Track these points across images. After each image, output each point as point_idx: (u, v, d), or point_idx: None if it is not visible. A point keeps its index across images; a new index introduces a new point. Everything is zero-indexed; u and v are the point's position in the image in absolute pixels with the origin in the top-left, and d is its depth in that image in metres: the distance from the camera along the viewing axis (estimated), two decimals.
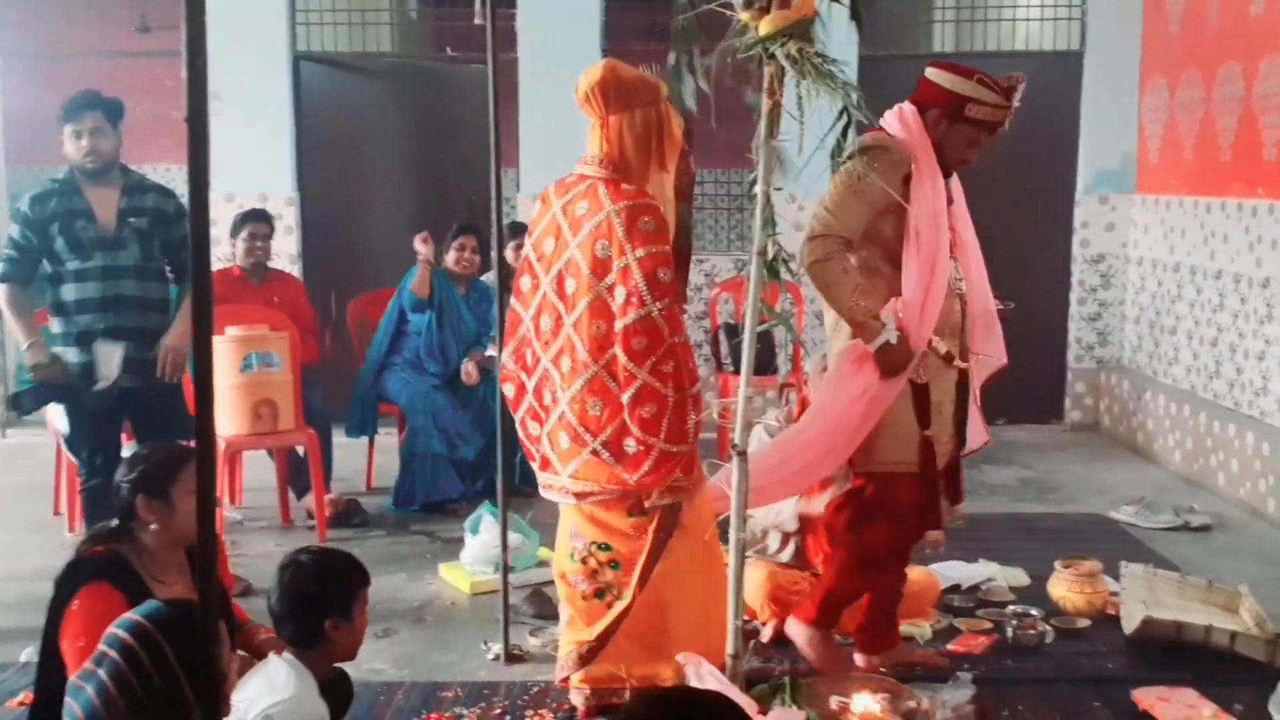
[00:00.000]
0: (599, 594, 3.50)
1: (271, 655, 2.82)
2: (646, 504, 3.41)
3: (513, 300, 3.59)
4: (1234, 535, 5.43)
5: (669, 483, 3.37)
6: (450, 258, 5.98)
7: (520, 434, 3.62)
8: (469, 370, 5.89)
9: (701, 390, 3.43)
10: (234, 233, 5.90)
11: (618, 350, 3.28)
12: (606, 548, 3.47)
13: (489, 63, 3.68)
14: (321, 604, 2.76)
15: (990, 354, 3.85)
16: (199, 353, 1.72)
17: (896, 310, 3.53)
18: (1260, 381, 5.91)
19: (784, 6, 2.81)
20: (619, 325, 3.28)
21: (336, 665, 2.91)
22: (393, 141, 7.83)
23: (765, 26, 2.76)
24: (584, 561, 3.50)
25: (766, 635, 4.12)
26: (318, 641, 2.76)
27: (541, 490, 3.64)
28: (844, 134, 2.69)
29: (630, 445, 3.33)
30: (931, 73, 3.64)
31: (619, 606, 3.47)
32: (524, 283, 3.55)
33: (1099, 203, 7.57)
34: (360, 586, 2.85)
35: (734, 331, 6.72)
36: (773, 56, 2.70)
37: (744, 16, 2.82)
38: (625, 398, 3.29)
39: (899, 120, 3.64)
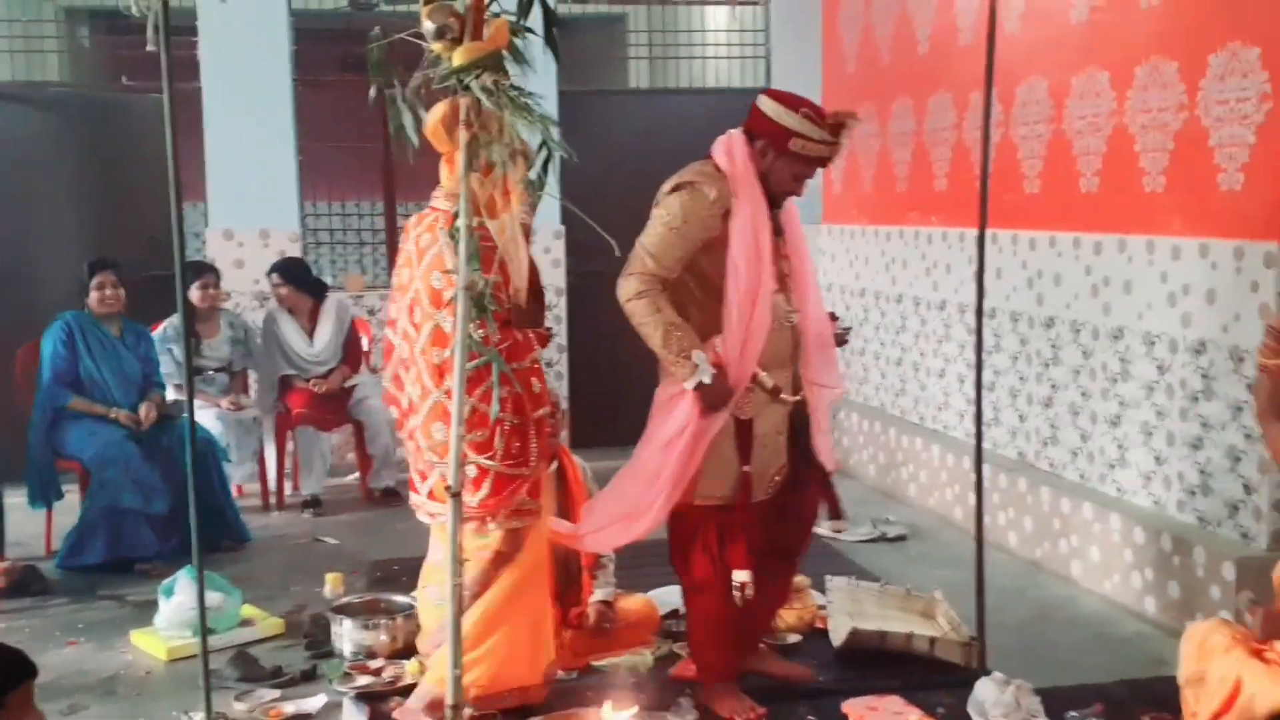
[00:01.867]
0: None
1: None
2: (491, 526, 3.56)
3: (386, 327, 3.81)
4: (927, 543, 5.75)
5: (513, 505, 3.56)
6: (92, 299, 5.59)
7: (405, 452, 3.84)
8: (143, 410, 5.52)
9: (551, 415, 3.67)
10: None
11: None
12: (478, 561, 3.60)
13: (165, 92, 3.44)
14: None
15: (827, 384, 3.83)
16: None
17: (715, 346, 3.51)
18: (942, 398, 6.32)
19: (477, 38, 2.76)
20: (446, 353, 3.41)
21: None
22: (65, 176, 7.26)
23: (459, 58, 2.70)
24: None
25: None
26: None
27: (413, 508, 3.84)
28: (544, 166, 2.66)
29: (470, 469, 3.46)
30: (761, 101, 3.59)
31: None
32: (391, 310, 3.75)
33: None
34: (7, 692, 2.41)
35: None
36: (468, 88, 2.65)
37: (436, 47, 2.76)
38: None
39: (725, 150, 3.59)
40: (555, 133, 2.59)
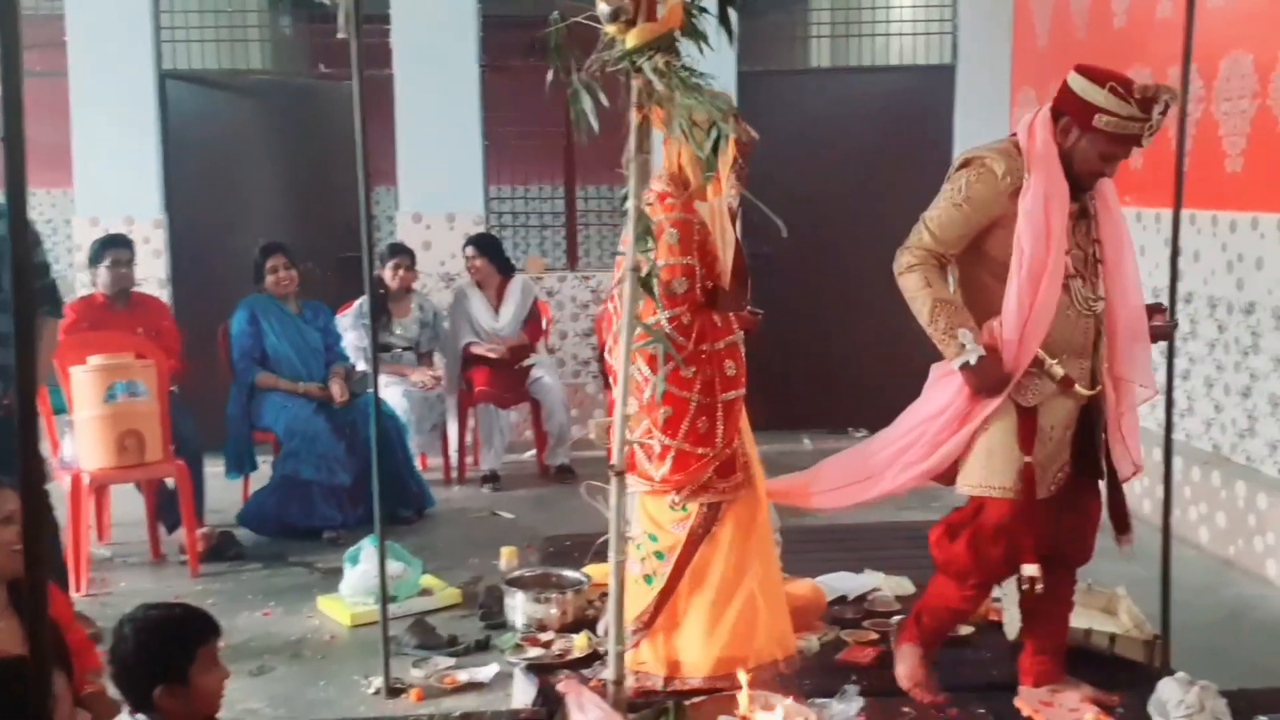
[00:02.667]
0: (647, 579, 3.71)
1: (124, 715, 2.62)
2: (678, 500, 3.65)
3: (608, 303, 3.88)
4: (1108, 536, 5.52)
5: (698, 482, 3.61)
6: (268, 281, 5.85)
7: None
8: (334, 388, 5.75)
9: (741, 398, 3.67)
10: (94, 260, 5.67)
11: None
12: (654, 538, 3.69)
13: (355, 78, 3.57)
14: (147, 674, 2.55)
15: (1135, 379, 3.53)
16: (21, 385, 1.61)
17: (993, 327, 3.38)
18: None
19: (651, 19, 2.76)
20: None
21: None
22: (265, 161, 7.62)
23: (632, 40, 2.72)
24: (638, 548, 3.68)
25: None
26: (151, 710, 2.55)
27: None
28: (714, 147, 2.65)
29: (655, 444, 3.59)
30: (1069, 76, 3.38)
31: (655, 591, 3.69)
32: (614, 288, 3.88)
33: None
34: (196, 647, 2.60)
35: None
36: (640, 70, 2.66)
37: (610, 30, 2.78)
38: (645, 399, 3.56)
39: (1026, 126, 3.43)
40: (725, 109, 2.57)
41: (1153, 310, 3.58)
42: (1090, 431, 3.48)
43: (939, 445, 3.47)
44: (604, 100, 2.73)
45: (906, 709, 3.67)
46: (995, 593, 4.43)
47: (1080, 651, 3.96)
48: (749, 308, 3.87)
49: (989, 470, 3.42)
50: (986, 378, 3.34)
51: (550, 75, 2.93)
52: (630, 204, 2.67)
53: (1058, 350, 3.38)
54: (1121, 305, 3.48)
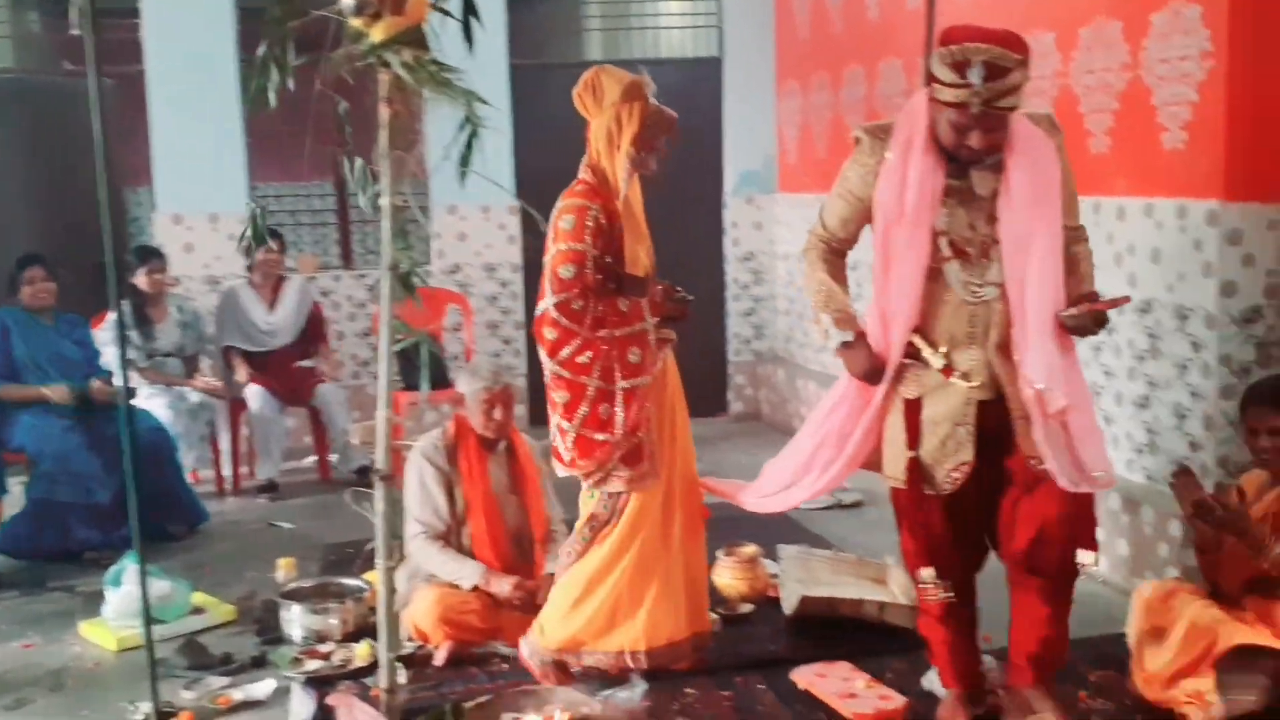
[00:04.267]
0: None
1: None
2: (585, 485, 3.73)
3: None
4: (884, 509, 5.72)
5: (604, 469, 3.65)
6: (24, 293, 5.54)
7: None
8: (96, 387, 5.47)
9: (645, 386, 3.65)
10: None
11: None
12: (582, 520, 3.80)
13: (91, 75, 3.38)
14: None
15: (1037, 381, 3.07)
16: None
17: (873, 312, 3.30)
18: None
19: (397, 14, 2.71)
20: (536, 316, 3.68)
21: None
22: (11, 163, 7.16)
23: (378, 33, 2.66)
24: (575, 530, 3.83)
25: (440, 659, 4.02)
26: None
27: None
28: (469, 142, 2.62)
29: (555, 427, 3.70)
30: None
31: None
32: None
33: (746, 203, 7.91)
34: None
35: (404, 355, 6.60)
36: (386, 65, 2.61)
37: (356, 23, 2.71)
38: (547, 382, 3.67)
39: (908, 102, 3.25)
40: (474, 104, 2.54)
41: (1081, 300, 3.15)
42: (998, 432, 3.21)
43: (846, 437, 3.40)
44: (285, 78, 2.62)
45: (689, 690, 3.75)
46: (772, 568, 4.57)
47: (854, 622, 4.13)
48: (679, 295, 3.85)
49: (888, 458, 3.37)
50: (855, 362, 3.30)
51: (260, 50, 2.81)
52: (384, 201, 2.62)
53: (939, 339, 3.20)
54: (1022, 295, 3.12)
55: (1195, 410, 4.24)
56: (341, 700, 2.99)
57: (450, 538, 4.22)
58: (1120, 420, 4.63)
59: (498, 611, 4.10)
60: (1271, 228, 4.07)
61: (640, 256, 3.77)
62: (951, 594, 3.36)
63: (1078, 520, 3.21)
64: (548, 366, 3.69)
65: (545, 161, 7.46)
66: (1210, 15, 4.06)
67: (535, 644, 3.84)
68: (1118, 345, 4.62)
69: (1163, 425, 4.41)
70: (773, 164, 7.84)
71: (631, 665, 3.75)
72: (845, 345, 3.32)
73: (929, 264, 3.17)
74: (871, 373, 3.28)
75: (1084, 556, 3.23)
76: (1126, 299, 3.29)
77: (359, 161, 2.63)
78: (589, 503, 3.79)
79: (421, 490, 4.21)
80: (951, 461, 3.22)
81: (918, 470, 3.26)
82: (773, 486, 3.67)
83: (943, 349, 3.19)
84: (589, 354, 3.62)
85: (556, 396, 3.68)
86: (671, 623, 3.79)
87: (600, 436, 3.66)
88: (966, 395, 3.18)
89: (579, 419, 3.66)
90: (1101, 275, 4.56)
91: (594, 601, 3.76)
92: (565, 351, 3.63)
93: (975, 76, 2.90)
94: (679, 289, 3.87)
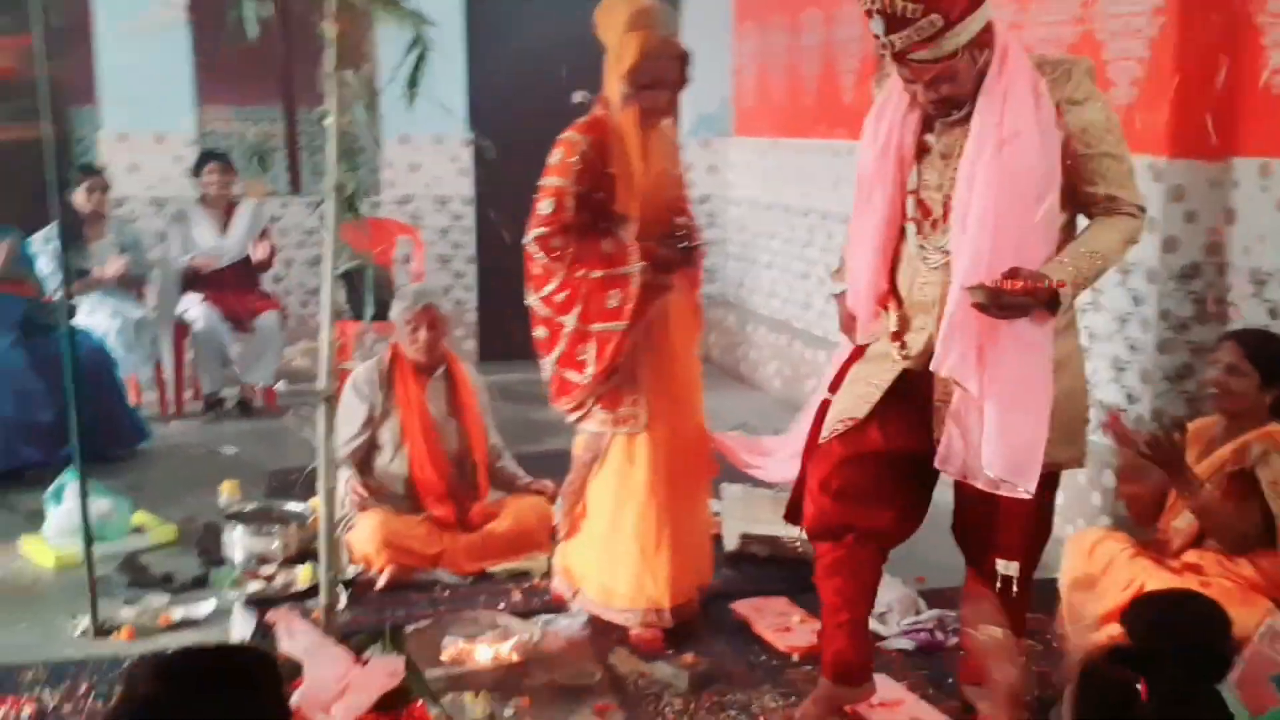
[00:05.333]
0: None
1: None
2: (569, 422, 3.73)
3: None
4: None
5: (582, 410, 3.66)
6: None
7: None
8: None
9: (627, 330, 3.56)
10: None
11: None
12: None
13: None
14: None
15: (944, 360, 2.81)
16: None
17: None
18: None
19: None
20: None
21: None
22: None
23: None
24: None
25: (381, 582, 4.08)
26: None
27: None
28: (416, 64, 2.62)
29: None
30: None
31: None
32: None
33: (701, 146, 7.91)
34: None
35: (354, 281, 6.58)
36: None
37: None
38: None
39: None
40: (422, 26, 2.55)
41: (1006, 276, 2.73)
42: (923, 410, 3.02)
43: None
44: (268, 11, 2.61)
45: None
46: (716, 506, 4.65)
47: (792, 560, 4.22)
48: (680, 242, 3.70)
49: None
50: (840, 313, 3.24)
51: None
52: (329, 121, 2.62)
53: (900, 299, 3.03)
54: (959, 266, 2.81)
55: (1133, 363, 4.34)
56: (281, 617, 3.04)
57: (365, 463, 4.31)
58: None
59: (440, 537, 4.16)
60: (1213, 185, 4.15)
61: (630, 197, 3.59)
62: (837, 554, 3.11)
63: (995, 520, 2.97)
64: (528, 301, 3.68)
65: (502, 92, 7.46)
66: None
67: (571, 588, 3.87)
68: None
69: (1100, 378, 4.49)
70: (728, 107, 7.85)
71: (658, 623, 3.70)
72: (835, 298, 3.28)
73: (899, 222, 3.00)
74: (846, 323, 3.23)
75: (1001, 565, 3.02)
76: (1032, 286, 2.71)
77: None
78: (577, 441, 3.82)
79: (345, 414, 4.19)
80: (848, 414, 3.06)
81: (821, 414, 3.15)
82: (786, 451, 3.51)
83: (896, 313, 3.02)
84: (567, 292, 3.59)
85: (536, 333, 3.69)
86: (687, 576, 3.77)
87: (574, 377, 3.64)
88: (894, 359, 3.03)
89: (555, 357, 3.66)
90: None
91: (615, 556, 3.75)
92: (547, 289, 3.61)
93: (876, 27, 2.68)
94: (683, 235, 3.73)
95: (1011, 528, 2.99)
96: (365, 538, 4.10)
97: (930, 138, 2.91)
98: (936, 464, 2.94)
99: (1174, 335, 4.21)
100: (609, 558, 3.75)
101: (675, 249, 3.68)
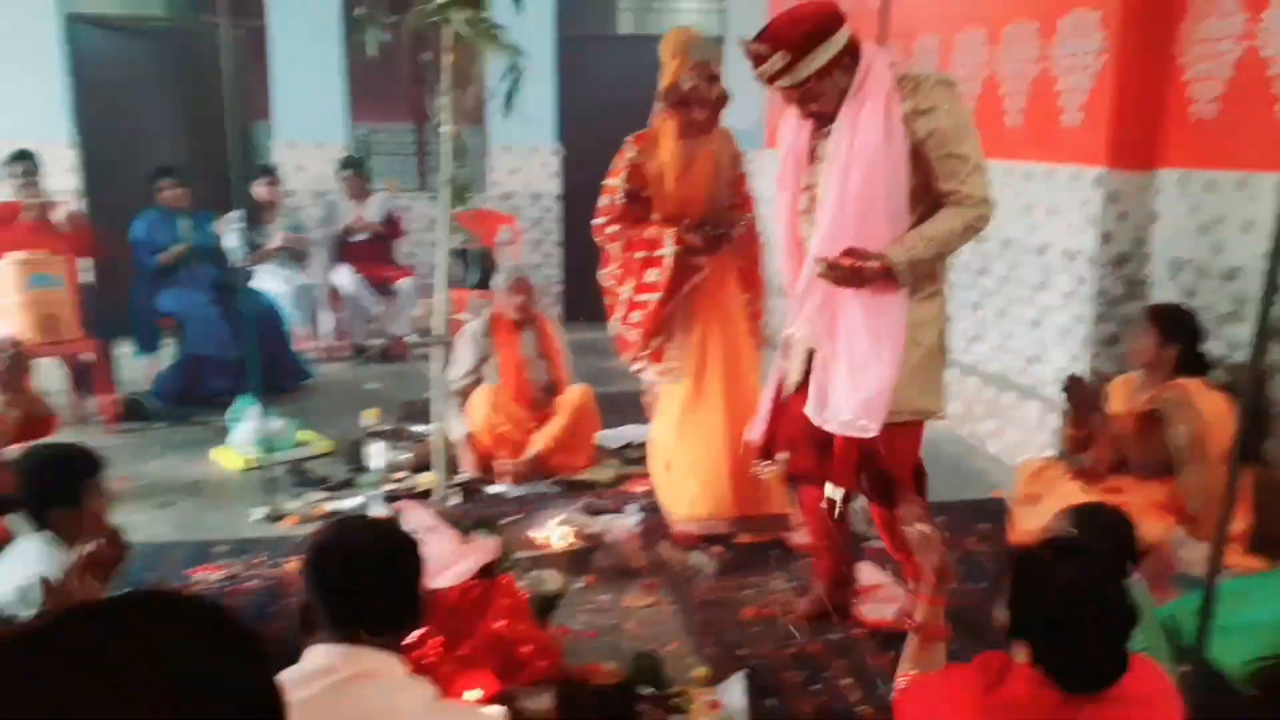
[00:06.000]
0: None
1: (23, 535, 2.47)
2: (631, 371, 3.76)
3: None
4: None
5: (638, 364, 3.69)
6: (161, 196, 5.61)
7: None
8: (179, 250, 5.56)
9: (663, 300, 3.53)
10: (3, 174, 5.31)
11: None
12: None
13: (224, 26, 3.41)
14: (43, 496, 2.40)
15: (796, 325, 2.84)
16: None
17: None
18: None
19: None
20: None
21: (113, 528, 2.64)
22: (162, 95, 7.16)
23: None
24: None
25: (489, 488, 4.16)
26: (47, 526, 2.41)
27: None
28: (513, 87, 2.67)
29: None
30: None
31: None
32: None
33: None
34: (83, 478, 2.43)
35: (465, 257, 6.71)
36: (448, 21, 2.66)
37: None
38: None
39: None
40: (518, 56, 2.59)
41: (849, 251, 2.66)
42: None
43: None
44: (386, 36, 2.64)
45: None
46: None
47: None
48: (707, 230, 3.57)
49: None
50: None
51: (360, 11, 2.81)
52: (444, 130, 2.68)
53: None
54: (812, 242, 2.76)
55: (1076, 331, 4.31)
56: (408, 506, 3.14)
57: (470, 390, 4.37)
58: (1018, 336, 4.69)
59: (527, 424, 4.31)
60: (1143, 190, 4.10)
61: (667, 194, 3.50)
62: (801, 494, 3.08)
63: (844, 454, 2.80)
64: (599, 276, 3.71)
65: (582, 114, 7.48)
66: (1106, 20, 4.05)
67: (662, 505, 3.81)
68: (1020, 279, 4.65)
69: (1049, 342, 4.48)
70: (762, 124, 7.79)
71: (690, 526, 3.67)
72: None
73: (798, 215, 2.86)
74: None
75: (829, 489, 2.89)
76: (855, 263, 2.61)
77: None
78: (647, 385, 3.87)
79: (458, 357, 4.34)
80: (791, 377, 2.95)
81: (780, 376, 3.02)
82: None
83: None
84: (621, 270, 3.61)
85: (606, 300, 3.70)
86: (714, 499, 3.65)
87: (630, 335, 3.66)
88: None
89: (616, 320, 3.68)
90: (1010, 224, 4.66)
91: (658, 472, 3.81)
92: (609, 267, 3.64)
93: (749, 66, 2.67)
94: (712, 225, 3.59)
95: (846, 462, 2.81)
96: (480, 401, 4.24)
97: (820, 144, 2.77)
98: (808, 412, 2.79)
99: (1108, 309, 4.18)
100: (659, 472, 3.82)
101: (704, 236, 3.57)
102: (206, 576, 3.41)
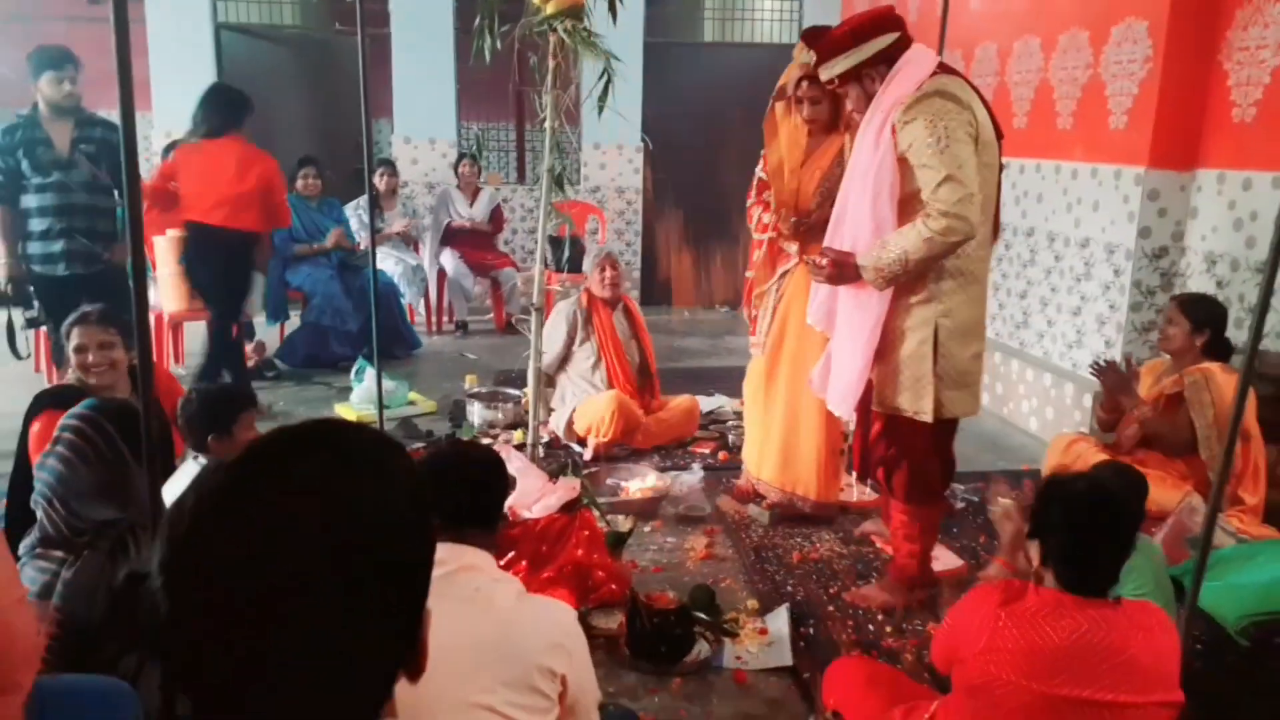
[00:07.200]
0: None
1: (189, 457, 2.68)
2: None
3: None
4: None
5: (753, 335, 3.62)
6: (300, 185, 5.90)
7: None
8: (332, 238, 5.85)
9: (755, 279, 3.53)
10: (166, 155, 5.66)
11: None
12: None
13: (360, 34, 3.64)
14: (204, 425, 2.57)
15: (809, 315, 2.94)
16: (133, 251, 1.73)
17: None
18: None
19: None
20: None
21: None
22: (297, 95, 7.55)
23: (550, 8, 2.86)
24: None
25: (588, 455, 4.14)
26: (206, 452, 2.57)
27: None
28: (606, 89, 2.82)
29: None
30: None
31: None
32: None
33: None
34: (239, 411, 2.59)
35: (557, 243, 6.89)
36: (553, 29, 2.81)
37: (537, 1, 2.91)
38: None
39: None
40: (610, 61, 2.72)
41: (825, 251, 2.72)
42: None
43: None
44: (498, 44, 2.77)
45: (728, 478, 3.98)
46: None
47: None
48: (794, 221, 3.42)
49: None
50: None
51: (476, 21, 2.95)
52: (548, 125, 2.84)
53: None
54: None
55: (1112, 319, 4.32)
56: (503, 449, 3.32)
57: (553, 369, 4.38)
58: (1059, 323, 4.69)
59: (640, 415, 4.31)
60: (1181, 189, 4.08)
61: (781, 184, 3.37)
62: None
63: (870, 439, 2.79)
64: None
65: (668, 116, 7.59)
66: (1154, 28, 4.04)
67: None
68: (1063, 270, 4.65)
69: (1088, 328, 4.48)
70: None
71: (748, 483, 3.67)
72: None
73: None
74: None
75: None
76: (826, 262, 2.65)
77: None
78: None
79: (549, 335, 4.30)
80: None
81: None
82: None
83: None
84: (756, 253, 3.57)
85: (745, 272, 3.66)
86: (768, 470, 3.63)
87: (751, 316, 3.67)
88: None
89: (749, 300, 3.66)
90: (1056, 219, 4.67)
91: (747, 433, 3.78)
92: (752, 242, 3.59)
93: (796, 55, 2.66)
94: (805, 218, 3.42)
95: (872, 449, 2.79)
96: (601, 406, 4.12)
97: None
98: (815, 390, 2.86)
99: (1143, 299, 4.18)
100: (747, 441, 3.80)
101: (791, 227, 3.44)
102: None
